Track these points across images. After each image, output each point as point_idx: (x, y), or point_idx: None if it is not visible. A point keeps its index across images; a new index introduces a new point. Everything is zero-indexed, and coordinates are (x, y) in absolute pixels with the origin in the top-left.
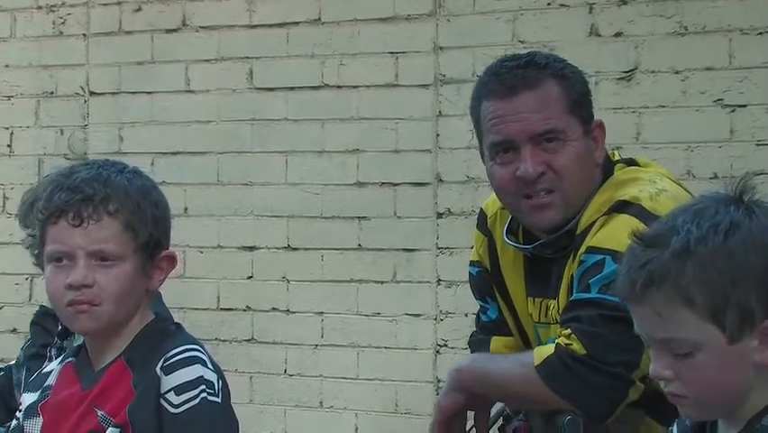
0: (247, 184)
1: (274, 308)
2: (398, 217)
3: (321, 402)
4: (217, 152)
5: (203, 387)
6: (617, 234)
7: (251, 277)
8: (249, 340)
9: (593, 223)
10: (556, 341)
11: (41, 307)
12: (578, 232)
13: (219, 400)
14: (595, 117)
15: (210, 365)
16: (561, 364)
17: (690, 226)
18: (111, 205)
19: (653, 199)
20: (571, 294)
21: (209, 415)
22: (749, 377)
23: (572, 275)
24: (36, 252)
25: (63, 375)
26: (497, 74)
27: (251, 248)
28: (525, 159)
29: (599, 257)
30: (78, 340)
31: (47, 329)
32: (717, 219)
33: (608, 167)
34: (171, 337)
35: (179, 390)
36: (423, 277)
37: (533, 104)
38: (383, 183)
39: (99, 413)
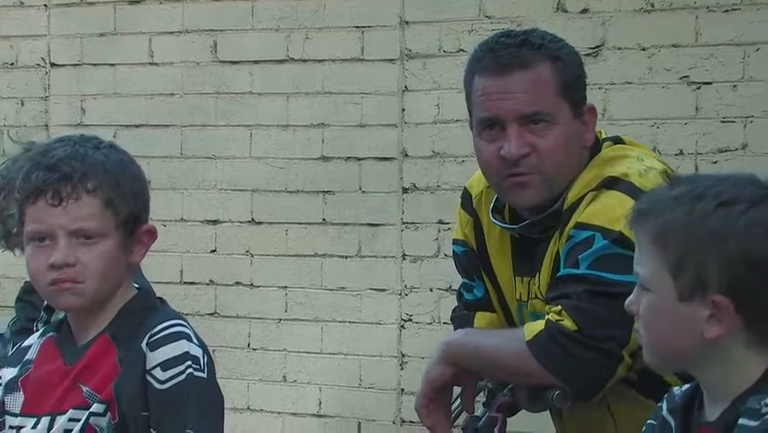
0: (211, 157)
1: (237, 282)
2: (363, 192)
3: (284, 377)
4: (181, 126)
5: (189, 363)
6: (607, 210)
7: (215, 251)
8: (212, 314)
9: (581, 199)
10: (547, 317)
11: (26, 283)
12: (564, 208)
13: (205, 375)
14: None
15: (195, 340)
16: (551, 340)
17: (703, 182)
18: (90, 182)
19: (643, 176)
20: (557, 269)
21: (195, 390)
22: (697, 347)
23: (558, 250)
24: (14, 230)
25: (44, 350)
26: (492, 50)
27: (215, 222)
28: (510, 138)
29: (589, 233)
30: (60, 314)
31: (33, 304)
32: (723, 189)
33: (595, 145)
34: (156, 312)
35: (165, 365)
36: (388, 252)
37: (524, 84)
38: (348, 158)
39: (84, 389)
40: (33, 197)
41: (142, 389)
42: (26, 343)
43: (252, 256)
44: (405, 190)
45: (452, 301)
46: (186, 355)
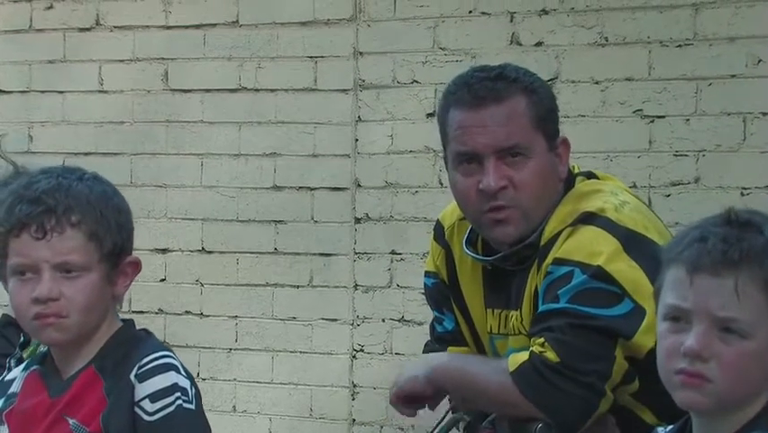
0: (161, 186)
1: (187, 312)
2: (316, 222)
3: (234, 407)
4: (131, 154)
5: (178, 394)
6: (585, 245)
7: (164, 280)
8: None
9: (557, 234)
10: (531, 349)
11: (4, 315)
12: (541, 243)
13: (193, 406)
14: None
15: (183, 372)
16: (534, 372)
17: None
18: (74, 216)
19: (618, 211)
20: (536, 305)
21: (184, 422)
22: (759, 388)
23: (537, 286)
24: None
25: (28, 383)
26: (467, 84)
27: (164, 251)
28: (488, 172)
29: (567, 269)
30: (41, 347)
31: (8, 339)
32: None
33: (569, 179)
34: (143, 344)
35: (154, 397)
36: (340, 282)
37: (499, 117)
38: (300, 187)
39: (71, 422)
40: (17, 230)
41: (131, 421)
42: (9, 376)
43: (203, 285)
44: (357, 220)
45: (404, 332)
46: (174, 387)
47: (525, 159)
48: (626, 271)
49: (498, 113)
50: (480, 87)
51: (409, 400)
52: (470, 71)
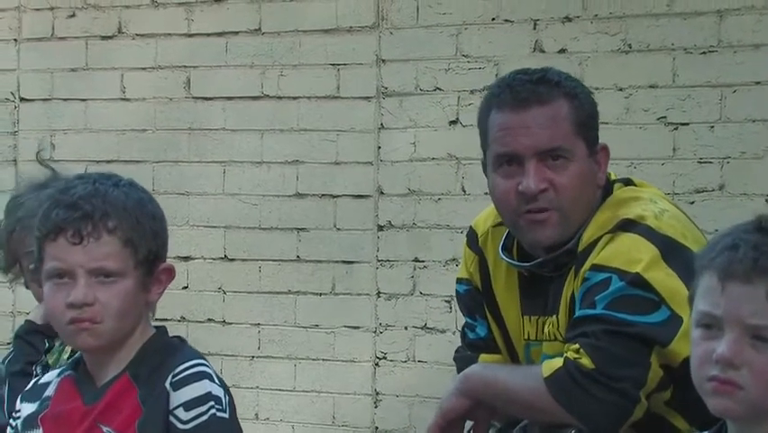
0: (183, 194)
1: (210, 319)
2: (338, 229)
3: (257, 414)
4: (153, 162)
5: (212, 403)
6: (623, 252)
7: (187, 287)
8: None
9: (596, 241)
10: (565, 355)
11: (27, 322)
12: (579, 250)
13: (227, 415)
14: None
15: (216, 380)
16: (569, 378)
17: None
18: (110, 221)
19: (658, 218)
20: (573, 311)
21: (218, 430)
22: None
23: (573, 292)
24: (33, 267)
25: (62, 389)
26: (509, 86)
27: (187, 258)
28: (528, 174)
29: (605, 275)
30: (65, 354)
31: (34, 346)
32: None
33: (607, 186)
34: (178, 352)
35: (188, 405)
36: (362, 289)
37: (542, 119)
38: (323, 195)
39: (105, 430)
40: (53, 234)
41: (165, 429)
42: (44, 379)
43: (225, 293)
44: (380, 228)
45: (426, 339)
46: (208, 396)
47: (566, 162)
48: (664, 278)
49: (541, 115)
50: (522, 90)
51: (448, 425)
52: (512, 74)
